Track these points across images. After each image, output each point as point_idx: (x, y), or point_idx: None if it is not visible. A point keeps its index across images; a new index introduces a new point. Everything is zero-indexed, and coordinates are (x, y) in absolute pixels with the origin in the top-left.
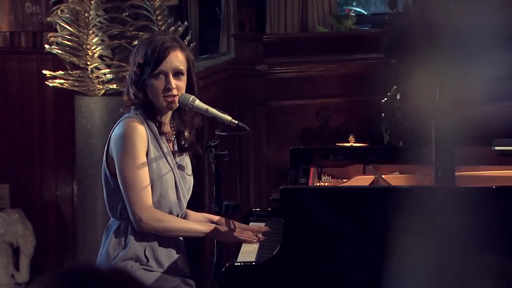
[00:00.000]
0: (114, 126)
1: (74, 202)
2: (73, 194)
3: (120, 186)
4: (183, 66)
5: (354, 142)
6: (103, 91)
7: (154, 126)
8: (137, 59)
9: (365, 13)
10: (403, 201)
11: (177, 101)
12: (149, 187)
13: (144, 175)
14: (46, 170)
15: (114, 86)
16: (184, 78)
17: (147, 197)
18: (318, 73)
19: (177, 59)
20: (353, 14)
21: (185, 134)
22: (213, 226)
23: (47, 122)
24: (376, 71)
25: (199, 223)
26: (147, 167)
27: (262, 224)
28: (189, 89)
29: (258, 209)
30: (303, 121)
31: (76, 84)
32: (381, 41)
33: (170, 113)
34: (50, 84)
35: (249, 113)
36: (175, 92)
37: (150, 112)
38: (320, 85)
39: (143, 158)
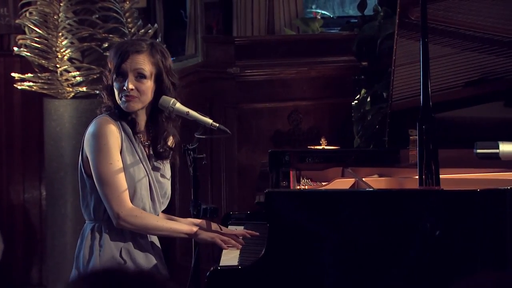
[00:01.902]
0: (88, 126)
1: (42, 205)
2: (41, 198)
3: (96, 184)
4: (146, 70)
5: (325, 145)
6: (73, 94)
7: (128, 126)
8: (107, 63)
9: (331, 16)
10: (393, 204)
11: (135, 102)
12: (125, 183)
13: (119, 171)
14: (13, 173)
15: (84, 88)
16: (147, 82)
17: (125, 193)
18: (289, 75)
19: (139, 61)
20: (319, 17)
21: (161, 140)
22: (194, 227)
23: (15, 125)
24: (347, 73)
25: (180, 223)
26: (121, 163)
27: (241, 228)
28: (163, 92)
29: (236, 212)
30: (274, 124)
31: (46, 87)
32: (352, 44)
33: (143, 114)
34: (19, 87)
35: (220, 116)
36: (133, 93)
37: (123, 113)
38: (292, 88)
39: (116, 155)
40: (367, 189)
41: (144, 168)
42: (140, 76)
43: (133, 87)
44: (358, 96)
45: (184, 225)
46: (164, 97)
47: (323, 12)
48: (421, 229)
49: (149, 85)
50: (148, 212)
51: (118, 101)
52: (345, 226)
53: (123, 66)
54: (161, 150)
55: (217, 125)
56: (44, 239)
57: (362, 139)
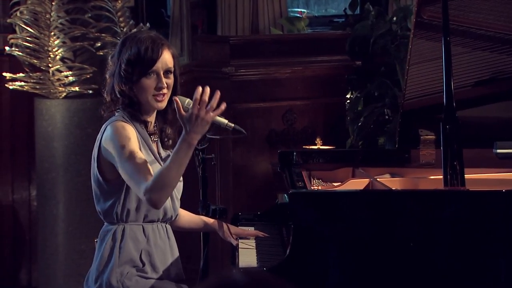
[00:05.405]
0: (101, 131)
1: (31, 206)
2: (30, 198)
3: (124, 177)
4: (171, 65)
5: (321, 145)
6: (65, 94)
7: (140, 127)
8: (126, 56)
9: (315, 15)
10: (422, 204)
11: (166, 100)
12: (148, 166)
13: (142, 158)
14: (2, 174)
15: (76, 88)
16: (172, 77)
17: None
18: (283, 75)
19: (168, 57)
20: (305, 17)
21: (167, 131)
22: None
23: (3, 126)
24: (341, 73)
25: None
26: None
27: (252, 229)
28: (174, 86)
29: (245, 213)
30: (269, 124)
31: (37, 87)
32: (345, 43)
33: (155, 113)
34: (10, 87)
35: None
36: (165, 91)
37: (136, 112)
38: (286, 87)
39: (137, 148)
40: (395, 189)
41: (161, 166)
42: (169, 72)
43: (166, 85)
44: (350, 95)
45: None
46: (180, 97)
47: (308, 11)
48: (449, 230)
49: (173, 79)
50: (169, 211)
51: (146, 98)
52: (371, 226)
53: (156, 64)
54: (168, 142)
55: (233, 125)
56: (34, 240)
57: (357, 138)
